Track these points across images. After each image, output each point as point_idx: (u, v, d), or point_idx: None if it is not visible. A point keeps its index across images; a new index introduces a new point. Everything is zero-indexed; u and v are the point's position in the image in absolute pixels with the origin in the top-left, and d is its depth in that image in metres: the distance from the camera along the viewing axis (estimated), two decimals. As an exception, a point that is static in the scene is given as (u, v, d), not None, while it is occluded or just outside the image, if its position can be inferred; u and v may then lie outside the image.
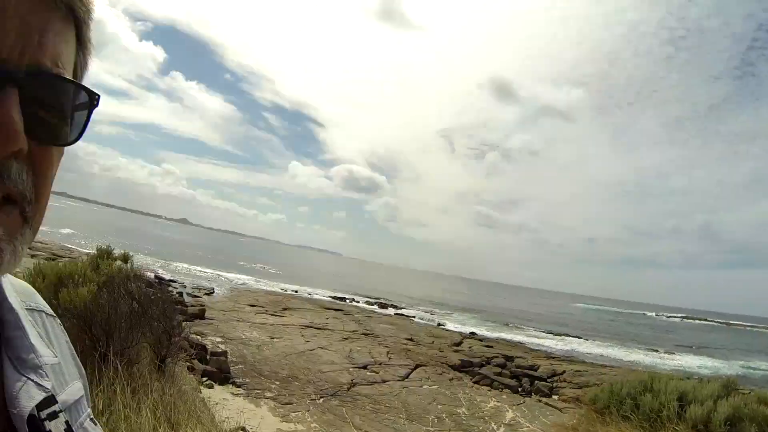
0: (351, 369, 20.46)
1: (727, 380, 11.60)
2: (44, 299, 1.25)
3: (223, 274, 64.49)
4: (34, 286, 1.17)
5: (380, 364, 22.54)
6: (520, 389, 24.49)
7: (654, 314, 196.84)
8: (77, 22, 0.94)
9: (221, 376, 17.27)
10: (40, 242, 36.65)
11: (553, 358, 37.09)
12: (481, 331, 50.34)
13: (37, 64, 0.85)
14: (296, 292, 56.21)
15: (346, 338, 27.13)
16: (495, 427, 16.75)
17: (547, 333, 63.55)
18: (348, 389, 17.78)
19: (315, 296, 54.79)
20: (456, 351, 31.28)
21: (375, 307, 55.86)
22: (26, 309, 1.10)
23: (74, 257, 26.50)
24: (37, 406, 0.98)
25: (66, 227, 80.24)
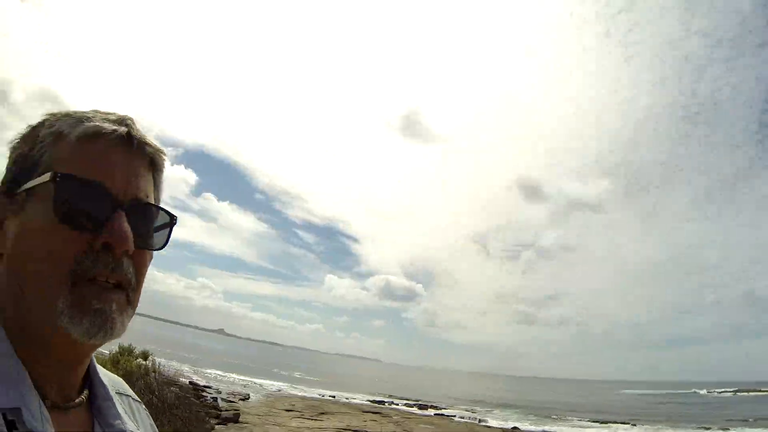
0: None
1: None
2: None
3: (260, 380, 63.93)
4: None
5: None
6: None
7: (705, 391, 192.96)
8: (155, 168, 1.42)
9: None
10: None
11: None
12: (524, 426, 49.33)
13: (136, 196, 1.31)
14: (334, 397, 55.65)
15: None
16: None
17: (593, 422, 62.29)
18: None
19: (353, 401, 54.13)
20: None
21: (414, 409, 55.05)
22: (116, 393, 1.45)
23: (96, 354, 26.72)
24: None
25: None
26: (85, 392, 1.34)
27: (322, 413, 34.59)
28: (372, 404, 52.86)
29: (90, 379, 1.37)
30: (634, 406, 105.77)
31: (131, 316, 1.32)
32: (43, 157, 1.27)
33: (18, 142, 1.33)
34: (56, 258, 1.22)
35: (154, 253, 1.40)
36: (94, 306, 1.23)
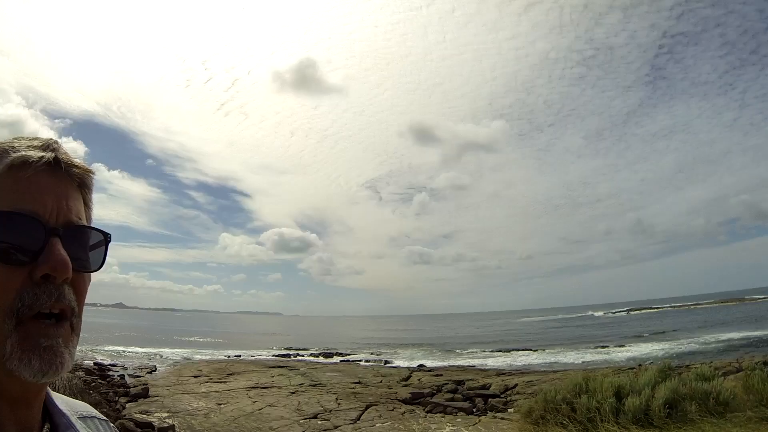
0: (301, 421, 20.37)
1: (663, 364, 12.16)
2: None
3: (164, 350, 63.38)
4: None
5: (330, 411, 22.45)
6: (474, 410, 24.47)
7: (602, 313, 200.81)
8: (84, 189, 1.40)
9: None
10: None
11: (504, 374, 37.22)
12: (430, 363, 50.39)
13: (68, 220, 1.29)
14: (239, 356, 55.91)
15: (293, 392, 26.89)
16: None
17: (496, 351, 64.35)
18: None
19: (259, 357, 54.82)
20: (405, 386, 31.38)
21: (320, 358, 55.91)
22: (79, 418, 1.40)
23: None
24: None
25: None
26: (46, 426, 1.32)
27: (230, 374, 34.61)
28: (278, 359, 53.35)
29: (49, 412, 1.34)
30: (532, 332, 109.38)
31: (77, 345, 1.30)
32: None
33: None
34: None
35: None
36: (42, 344, 1.18)
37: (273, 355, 59.34)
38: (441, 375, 35.81)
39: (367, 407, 23.61)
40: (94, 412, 1.51)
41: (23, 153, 1.24)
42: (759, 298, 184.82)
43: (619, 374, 12.66)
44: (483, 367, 44.00)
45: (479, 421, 20.94)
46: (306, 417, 20.93)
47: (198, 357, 53.89)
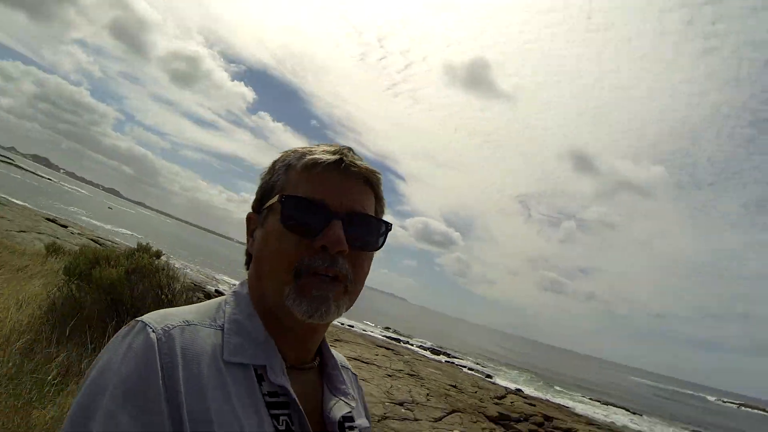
0: (387, 404, 20.49)
1: None
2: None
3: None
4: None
5: (417, 403, 22.38)
6: (551, 449, 24.61)
7: (714, 399, 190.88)
8: (371, 185, 1.72)
9: None
10: (93, 233, 37.26)
11: (594, 425, 36.70)
12: (528, 390, 49.69)
13: (352, 209, 1.68)
14: (351, 326, 55.45)
15: (390, 375, 26.93)
16: None
17: (595, 400, 62.46)
18: (378, 421, 17.94)
19: (370, 333, 54.34)
20: (497, 404, 30.74)
21: (427, 353, 55.08)
22: (341, 366, 1.76)
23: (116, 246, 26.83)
24: (342, 417, 1.71)
25: (129, 229, 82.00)
26: (317, 360, 1.71)
27: (337, 340, 34.50)
28: (387, 340, 53.13)
29: (321, 352, 1.71)
30: (639, 394, 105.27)
31: (349, 304, 1.70)
32: (277, 183, 1.68)
33: (264, 174, 1.72)
34: (283, 256, 1.64)
35: None
36: (314, 293, 1.64)
37: (384, 336, 59.21)
38: (534, 405, 35.13)
39: (453, 411, 23.39)
40: (349, 365, 1.86)
41: (316, 156, 1.65)
42: None
43: None
44: (576, 411, 43.43)
45: None
46: (393, 402, 21.22)
47: None
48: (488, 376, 51.69)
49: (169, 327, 1.62)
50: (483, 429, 23.47)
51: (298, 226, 1.66)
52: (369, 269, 1.72)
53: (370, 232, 1.71)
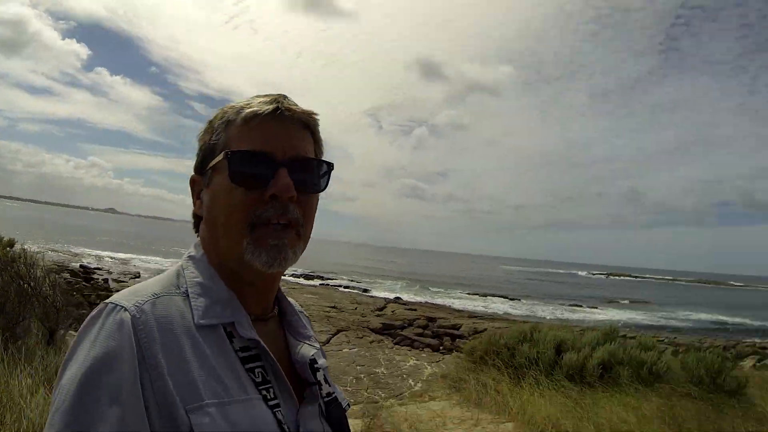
0: None
1: (610, 328, 12.42)
2: None
3: (150, 257, 64.15)
4: None
5: None
6: (441, 348, 25.07)
7: (584, 273, 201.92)
8: (309, 128, 1.69)
9: None
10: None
11: (476, 317, 37.77)
12: (407, 297, 50.97)
13: (294, 154, 1.61)
14: None
15: None
16: (412, 383, 17.07)
17: (473, 294, 64.85)
18: None
19: None
20: (378, 315, 32.04)
21: (301, 279, 56.08)
22: (297, 311, 1.83)
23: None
24: (310, 359, 1.68)
25: None
26: (276, 309, 1.76)
27: None
28: None
29: (279, 301, 1.78)
30: (512, 281, 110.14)
31: (303, 248, 1.67)
32: (219, 142, 1.64)
33: (202, 134, 1.71)
34: (236, 211, 1.56)
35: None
36: (270, 243, 1.55)
37: None
38: (415, 310, 36.23)
39: (338, 332, 23.98)
40: (302, 309, 1.91)
41: (254, 108, 1.60)
42: (737, 285, 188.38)
43: (569, 331, 12.94)
44: (457, 308, 44.55)
45: (443, 359, 21.34)
46: None
47: None
48: (365, 290, 52.72)
49: (140, 303, 1.49)
50: (371, 342, 23.55)
51: (246, 180, 1.59)
52: (316, 210, 1.76)
53: (314, 174, 1.71)
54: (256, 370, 1.53)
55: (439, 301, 52.00)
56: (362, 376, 17.57)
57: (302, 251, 1.67)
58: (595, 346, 10.37)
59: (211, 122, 1.70)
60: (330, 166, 1.73)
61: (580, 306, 63.15)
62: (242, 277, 1.61)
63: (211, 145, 1.66)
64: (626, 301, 76.73)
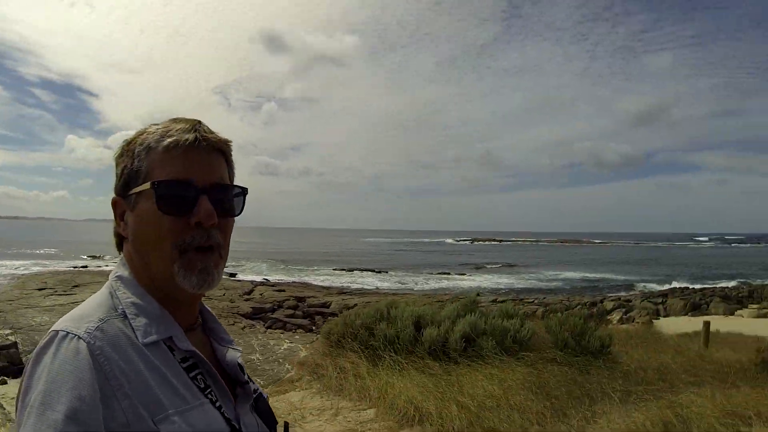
0: None
1: (468, 299, 12.47)
2: None
3: (6, 262, 59.95)
4: None
5: None
6: (313, 327, 25.22)
7: (450, 240, 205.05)
8: (224, 155, 1.80)
9: (13, 368, 17.13)
10: None
11: (345, 293, 38.09)
12: (275, 277, 51.24)
13: (213, 182, 1.70)
14: (86, 267, 54.81)
15: None
16: (289, 367, 17.10)
17: (339, 270, 65.41)
18: None
19: (105, 268, 53.53)
20: (247, 300, 32.14)
21: None
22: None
23: None
24: (238, 363, 1.86)
25: None
26: (199, 319, 1.89)
27: (75, 286, 34.15)
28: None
29: (201, 311, 1.91)
30: (377, 253, 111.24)
31: (224, 267, 1.80)
32: (141, 168, 1.70)
33: (121, 157, 1.77)
34: (165, 238, 1.65)
35: None
36: (199, 267, 1.66)
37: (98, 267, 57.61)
38: (284, 291, 36.40)
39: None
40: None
41: (174, 137, 1.69)
42: (595, 242, 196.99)
43: (428, 305, 13.03)
44: (325, 285, 44.82)
45: (317, 339, 21.60)
46: None
47: (44, 269, 51.46)
48: (232, 274, 51.78)
49: (91, 329, 1.54)
50: (242, 328, 23.54)
51: (172, 208, 1.67)
52: (232, 231, 1.87)
53: (231, 199, 1.82)
54: (198, 377, 1.66)
55: (306, 279, 52.28)
56: (238, 364, 17.54)
57: (223, 271, 1.80)
58: (455, 319, 10.31)
59: (129, 145, 1.76)
60: (245, 190, 1.88)
61: (448, 274, 64.43)
62: (173, 296, 1.72)
63: (133, 170, 1.72)
64: (493, 266, 78.93)
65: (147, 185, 1.67)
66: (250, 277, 50.10)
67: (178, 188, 1.67)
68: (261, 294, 34.85)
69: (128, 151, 1.75)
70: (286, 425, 1.98)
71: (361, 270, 65.94)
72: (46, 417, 1.38)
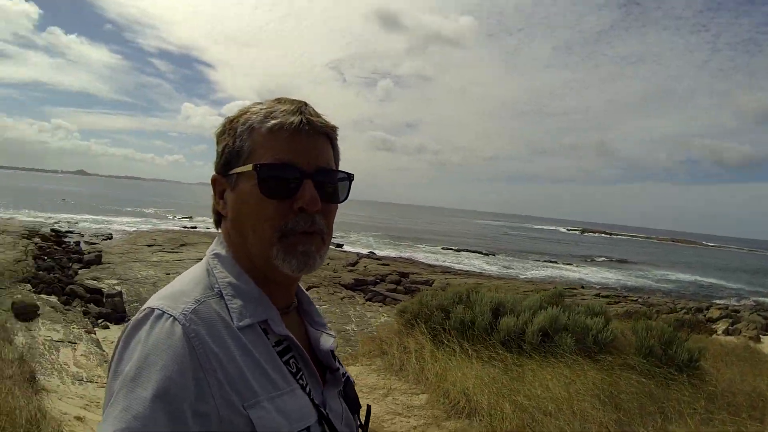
0: None
1: (555, 290, 12.23)
2: None
3: (123, 219, 63.77)
4: None
5: None
6: (410, 303, 25.10)
7: (564, 229, 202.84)
8: (330, 139, 1.76)
9: (116, 315, 18.22)
10: None
11: (450, 272, 37.86)
12: (381, 252, 51.35)
13: (318, 166, 1.67)
14: (195, 228, 56.55)
15: None
16: (357, 339, 17.02)
17: (447, 249, 65.46)
18: None
19: (213, 230, 54.78)
20: (351, 271, 32.44)
21: None
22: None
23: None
24: (331, 349, 1.83)
25: None
26: (295, 301, 1.86)
27: (183, 245, 35.28)
28: None
29: (296, 292, 1.89)
30: (486, 235, 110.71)
31: (326, 252, 1.76)
32: (243, 148, 1.67)
33: (222, 135, 1.74)
34: (266, 221, 1.63)
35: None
36: (300, 250, 1.64)
37: None
38: (388, 265, 37.01)
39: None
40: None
41: (280, 119, 1.66)
42: (709, 245, 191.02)
43: (513, 292, 12.58)
44: (430, 263, 44.67)
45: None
46: None
47: (155, 227, 54.20)
48: (339, 245, 52.27)
49: (187, 311, 1.53)
50: (342, 298, 23.75)
51: (275, 192, 1.64)
52: (335, 216, 1.83)
53: (336, 184, 1.77)
54: (291, 361, 1.65)
55: (413, 255, 52.34)
56: (332, 333, 17.64)
57: (326, 256, 1.78)
58: (537, 310, 9.70)
59: (231, 124, 1.73)
60: (350, 177, 1.81)
61: (555, 262, 63.33)
62: (270, 277, 1.70)
63: (235, 150, 1.70)
64: (602, 259, 77.80)
65: (249, 167, 1.65)
66: (356, 249, 50.46)
67: (282, 171, 1.65)
68: (365, 266, 35.18)
69: (230, 129, 1.72)
70: (369, 409, 1.93)
71: (469, 251, 65.35)
72: (136, 394, 1.38)
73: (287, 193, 1.63)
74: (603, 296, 32.20)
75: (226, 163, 1.70)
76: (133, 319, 1.52)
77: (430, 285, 30.31)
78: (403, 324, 10.45)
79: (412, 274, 33.58)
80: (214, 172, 1.77)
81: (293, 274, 1.66)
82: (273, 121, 1.65)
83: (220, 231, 1.79)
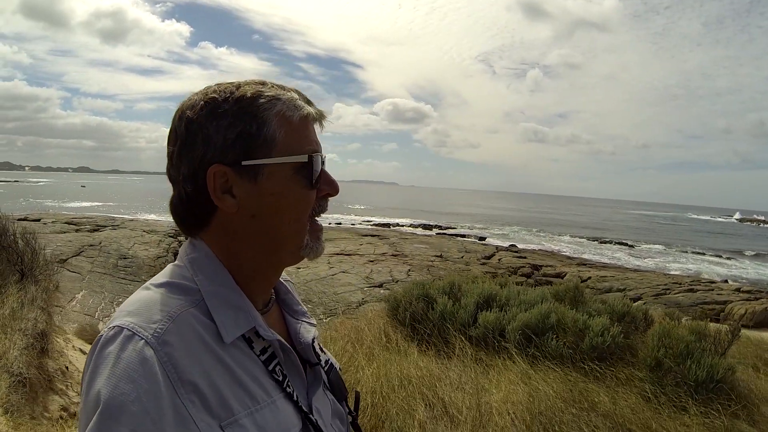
0: (365, 288, 20.51)
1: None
2: None
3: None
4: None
5: (397, 281, 21.95)
6: (542, 298, 24.65)
7: (721, 217, 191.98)
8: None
9: None
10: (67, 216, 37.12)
11: (585, 265, 36.62)
12: (522, 244, 49.99)
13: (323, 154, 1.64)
14: (339, 224, 55.87)
15: (372, 261, 26.67)
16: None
17: (592, 240, 64.17)
18: (357, 307, 17.72)
19: (358, 226, 54.77)
20: (483, 264, 31.72)
21: (418, 230, 56.00)
22: (286, 281, 1.86)
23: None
24: (311, 342, 1.74)
25: (99, 201, 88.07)
26: (272, 295, 1.76)
27: (326, 240, 34.95)
28: (374, 227, 53.89)
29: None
30: (635, 227, 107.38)
31: None
32: (276, 136, 1.50)
33: (228, 119, 1.47)
34: (306, 212, 1.60)
35: None
36: (319, 235, 1.67)
37: (372, 224, 59.86)
38: (524, 257, 36.13)
39: (432, 281, 22.88)
40: (285, 276, 1.89)
41: (306, 109, 1.60)
42: None
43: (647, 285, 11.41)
44: (569, 255, 44.23)
45: None
46: (372, 285, 21.19)
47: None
48: (481, 238, 52.17)
49: (159, 332, 1.35)
50: (464, 291, 23.47)
51: (316, 182, 1.59)
52: None
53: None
54: (277, 369, 1.55)
55: (554, 247, 51.98)
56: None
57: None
58: (535, 304, 8.29)
59: (242, 105, 1.48)
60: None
61: (702, 254, 59.89)
62: (275, 267, 1.66)
63: (261, 137, 1.49)
64: (756, 253, 68.19)
65: (304, 158, 1.56)
66: (497, 242, 49.29)
67: (316, 162, 1.60)
68: (499, 259, 34.08)
69: (245, 113, 1.48)
70: (357, 395, 1.89)
71: (614, 243, 63.01)
72: (114, 431, 1.24)
73: (318, 182, 1.60)
74: (743, 291, 28.57)
75: (244, 151, 1.47)
76: (102, 336, 1.36)
77: (562, 278, 28.99)
78: (388, 313, 9.64)
79: (546, 266, 32.60)
80: (196, 164, 1.46)
81: (311, 259, 1.66)
82: (303, 111, 1.58)
83: (198, 234, 1.55)
